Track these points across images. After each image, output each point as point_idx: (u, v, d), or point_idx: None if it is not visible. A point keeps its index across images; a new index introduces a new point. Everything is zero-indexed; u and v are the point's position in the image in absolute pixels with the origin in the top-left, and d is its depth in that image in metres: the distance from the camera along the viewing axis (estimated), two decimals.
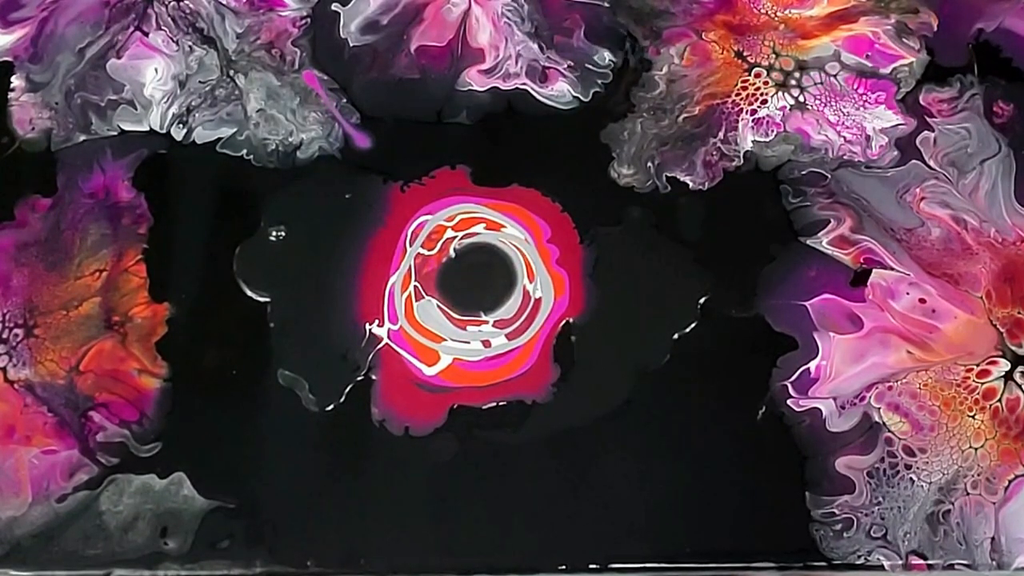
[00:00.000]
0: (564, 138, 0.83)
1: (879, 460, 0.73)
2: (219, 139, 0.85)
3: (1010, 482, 0.72)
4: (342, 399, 0.76)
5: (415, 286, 0.78)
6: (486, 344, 0.77)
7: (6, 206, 0.84)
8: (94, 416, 0.77)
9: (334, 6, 0.88)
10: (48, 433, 0.78)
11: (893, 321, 0.75)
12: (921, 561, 0.71)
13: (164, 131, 0.85)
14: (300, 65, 0.87)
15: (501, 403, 0.76)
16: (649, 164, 0.81)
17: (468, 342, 0.77)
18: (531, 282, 0.78)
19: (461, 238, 0.80)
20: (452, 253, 0.79)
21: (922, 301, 0.76)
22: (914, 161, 0.80)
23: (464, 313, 0.78)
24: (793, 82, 0.82)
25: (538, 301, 0.78)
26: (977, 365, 0.74)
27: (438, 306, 0.78)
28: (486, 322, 0.78)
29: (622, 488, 0.74)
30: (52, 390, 0.79)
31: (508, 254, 0.79)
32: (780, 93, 0.82)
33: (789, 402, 0.74)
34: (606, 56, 0.84)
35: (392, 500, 0.74)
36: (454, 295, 0.78)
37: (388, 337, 0.78)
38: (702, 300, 0.78)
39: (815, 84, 0.82)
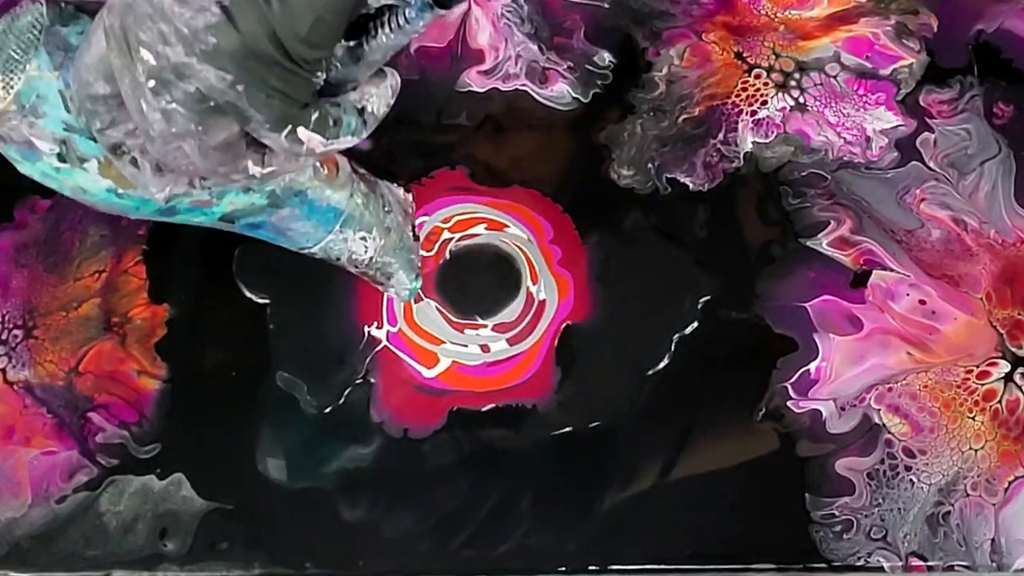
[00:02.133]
0: (564, 139, 0.83)
1: (879, 462, 0.73)
2: None
3: (1010, 483, 0.72)
4: (341, 401, 0.76)
5: None
6: (484, 349, 0.77)
7: (5, 207, 0.84)
8: (93, 417, 0.77)
9: None
10: (47, 434, 0.78)
11: (893, 322, 0.75)
12: (921, 563, 0.71)
13: None
14: None
15: (500, 405, 0.76)
16: (649, 165, 0.81)
17: (466, 345, 0.77)
18: (535, 284, 0.78)
19: (458, 240, 0.79)
20: (447, 255, 0.79)
21: (922, 302, 0.76)
22: (914, 162, 0.79)
23: (461, 316, 0.78)
24: (793, 83, 0.82)
25: (542, 303, 0.78)
26: (977, 366, 0.74)
27: (437, 308, 0.78)
28: (484, 326, 0.78)
29: (622, 489, 0.74)
30: (51, 391, 0.79)
31: (511, 255, 0.79)
32: (780, 94, 0.82)
33: (789, 403, 0.74)
34: (606, 57, 0.84)
35: (391, 501, 0.74)
36: (451, 298, 0.78)
37: (387, 339, 0.78)
38: (702, 301, 0.77)
39: (815, 85, 0.82)
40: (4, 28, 0.54)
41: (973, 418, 0.73)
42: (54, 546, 0.75)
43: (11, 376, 0.79)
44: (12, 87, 0.53)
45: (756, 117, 0.81)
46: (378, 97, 0.55)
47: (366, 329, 0.78)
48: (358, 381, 0.77)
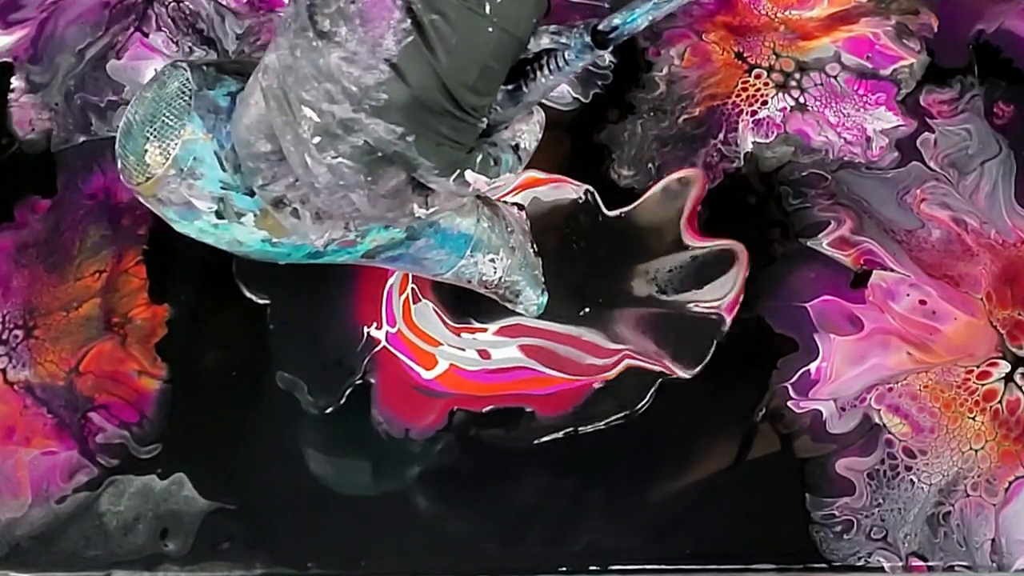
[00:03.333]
0: (564, 138, 0.83)
1: (879, 462, 0.73)
2: None
3: (1010, 483, 0.72)
4: (342, 401, 0.76)
5: (412, 288, 0.78)
6: (483, 355, 0.77)
7: (6, 207, 0.84)
8: (94, 417, 0.77)
9: None
10: (48, 434, 0.78)
11: (893, 323, 0.75)
12: (921, 563, 0.71)
13: None
14: None
15: (501, 407, 0.76)
16: (649, 165, 0.81)
17: (463, 349, 0.77)
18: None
19: None
20: None
21: (922, 303, 0.76)
22: (914, 162, 0.79)
23: (456, 320, 0.77)
24: (793, 83, 0.82)
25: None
26: (977, 367, 0.74)
27: (434, 310, 0.77)
28: (483, 330, 0.77)
29: (622, 490, 0.74)
30: (52, 391, 0.79)
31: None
32: (780, 94, 0.82)
33: (790, 404, 0.74)
34: (606, 57, 0.84)
35: (393, 502, 0.74)
36: (447, 300, 0.78)
37: (386, 340, 0.78)
38: None
39: (815, 85, 0.82)
40: (153, 96, 0.57)
41: (973, 418, 0.73)
42: (54, 546, 0.75)
43: (11, 376, 0.79)
44: (170, 152, 0.56)
45: (756, 117, 0.81)
46: (529, 133, 0.58)
47: (365, 330, 0.78)
48: (358, 381, 0.77)
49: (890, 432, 0.73)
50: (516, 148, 0.57)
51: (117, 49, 0.88)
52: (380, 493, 0.75)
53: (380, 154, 0.52)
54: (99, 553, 0.74)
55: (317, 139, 0.52)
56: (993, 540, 0.71)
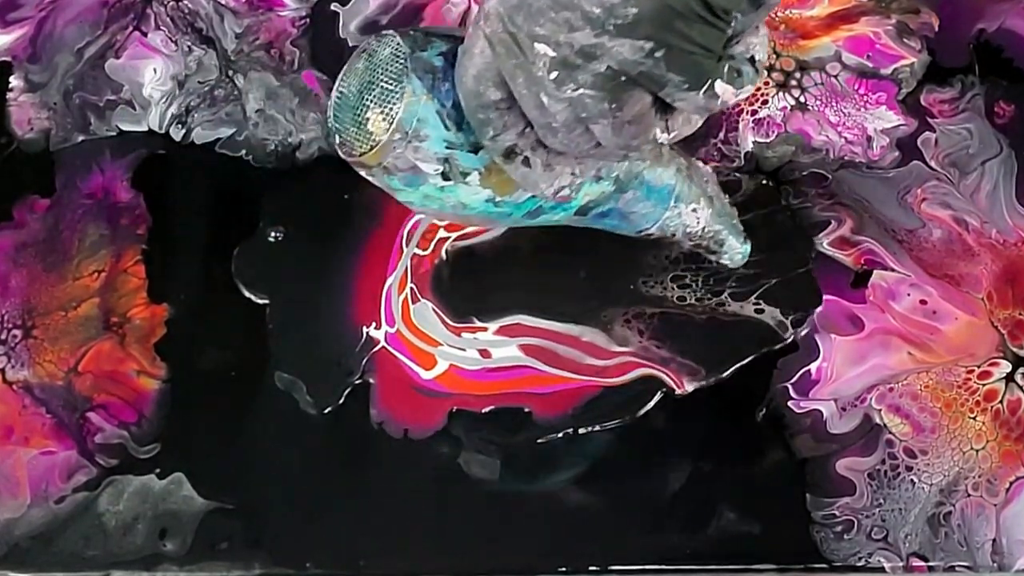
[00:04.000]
0: None
1: (880, 462, 0.72)
2: (218, 139, 0.85)
3: (1011, 484, 0.72)
4: (340, 401, 0.76)
5: (411, 288, 0.78)
6: (484, 354, 0.76)
7: (4, 207, 0.84)
8: (92, 417, 0.77)
9: (333, 6, 0.88)
10: (46, 434, 0.78)
11: (894, 322, 0.75)
12: (922, 563, 0.70)
13: (163, 131, 0.85)
14: (299, 65, 0.87)
15: (500, 407, 0.75)
16: None
17: (464, 349, 0.77)
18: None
19: (454, 240, 0.79)
20: (444, 255, 0.78)
21: (923, 302, 0.75)
22: (915, 162, 0.79)
23: (457, 319, 0.77)
24: (794, 82, 0.82)
25: None
26: (978, 367, 0.74)
27: (433, 310, 0.77)
28: (484, 329, 0.77)
29: (622, 490, 0.74)
30: (51, 391, 0.78)
31: None
32: (781, 93, 0.82)
33: (790, 404, 0.74)
34: None
35: (391, 502, 0.74)
36: (448, 299, 0.77)
37: (385, 340, 0.77)
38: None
39: (816, 84, 0.82)
40: (366, 66, 0.57)
41: (974, 418, 0.73)
42: (53, 546, 0.75)
43: (10, 376, 0.79)
44: (393, 117, 0.55)
45: (757, 116, 0.81)
46: (760, 46, 0.55)
47: (364, 330, 0.78)
48: (357, 382, 0.76)
49: (891, 432, 0.73)
50: (752, 60, 0.55)
51: (116, 48, 0.88)
52: (379, 493, 0.75)
53: (624, 78, 0.50)
54: (98, 553, 0.74)
55: (554, 74, 0.50)
56: (994, 540, 0.71)
